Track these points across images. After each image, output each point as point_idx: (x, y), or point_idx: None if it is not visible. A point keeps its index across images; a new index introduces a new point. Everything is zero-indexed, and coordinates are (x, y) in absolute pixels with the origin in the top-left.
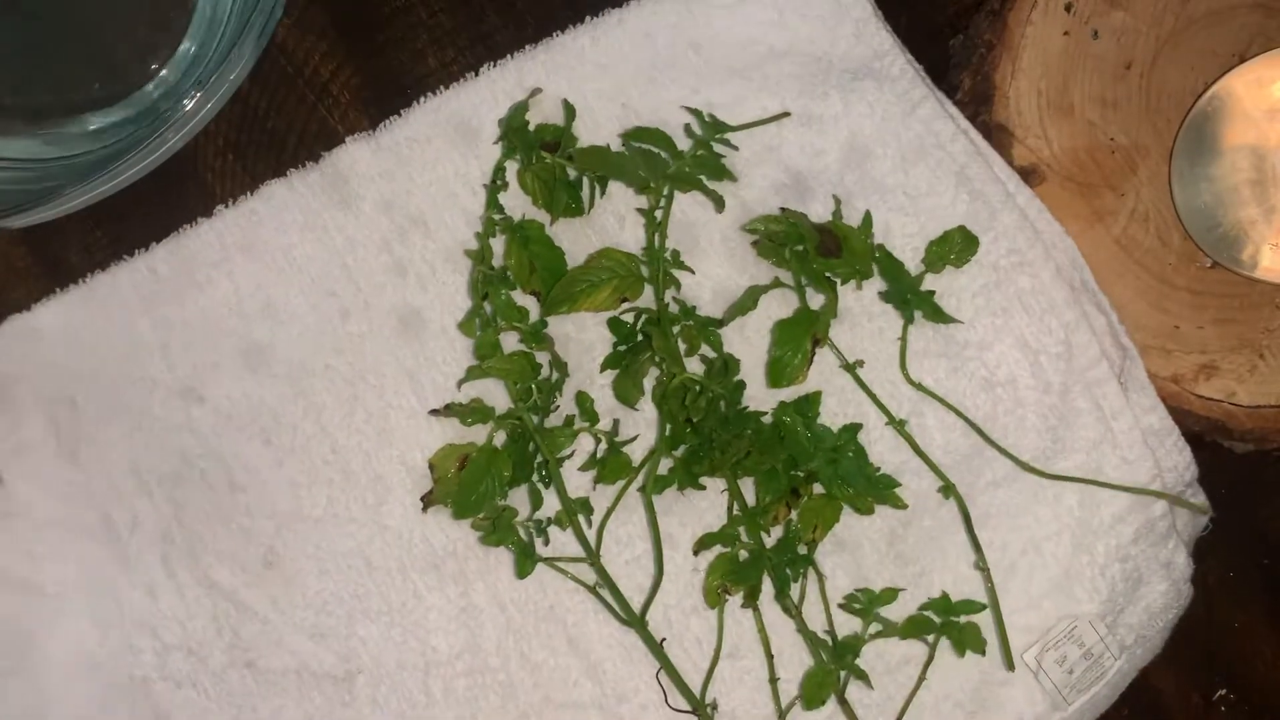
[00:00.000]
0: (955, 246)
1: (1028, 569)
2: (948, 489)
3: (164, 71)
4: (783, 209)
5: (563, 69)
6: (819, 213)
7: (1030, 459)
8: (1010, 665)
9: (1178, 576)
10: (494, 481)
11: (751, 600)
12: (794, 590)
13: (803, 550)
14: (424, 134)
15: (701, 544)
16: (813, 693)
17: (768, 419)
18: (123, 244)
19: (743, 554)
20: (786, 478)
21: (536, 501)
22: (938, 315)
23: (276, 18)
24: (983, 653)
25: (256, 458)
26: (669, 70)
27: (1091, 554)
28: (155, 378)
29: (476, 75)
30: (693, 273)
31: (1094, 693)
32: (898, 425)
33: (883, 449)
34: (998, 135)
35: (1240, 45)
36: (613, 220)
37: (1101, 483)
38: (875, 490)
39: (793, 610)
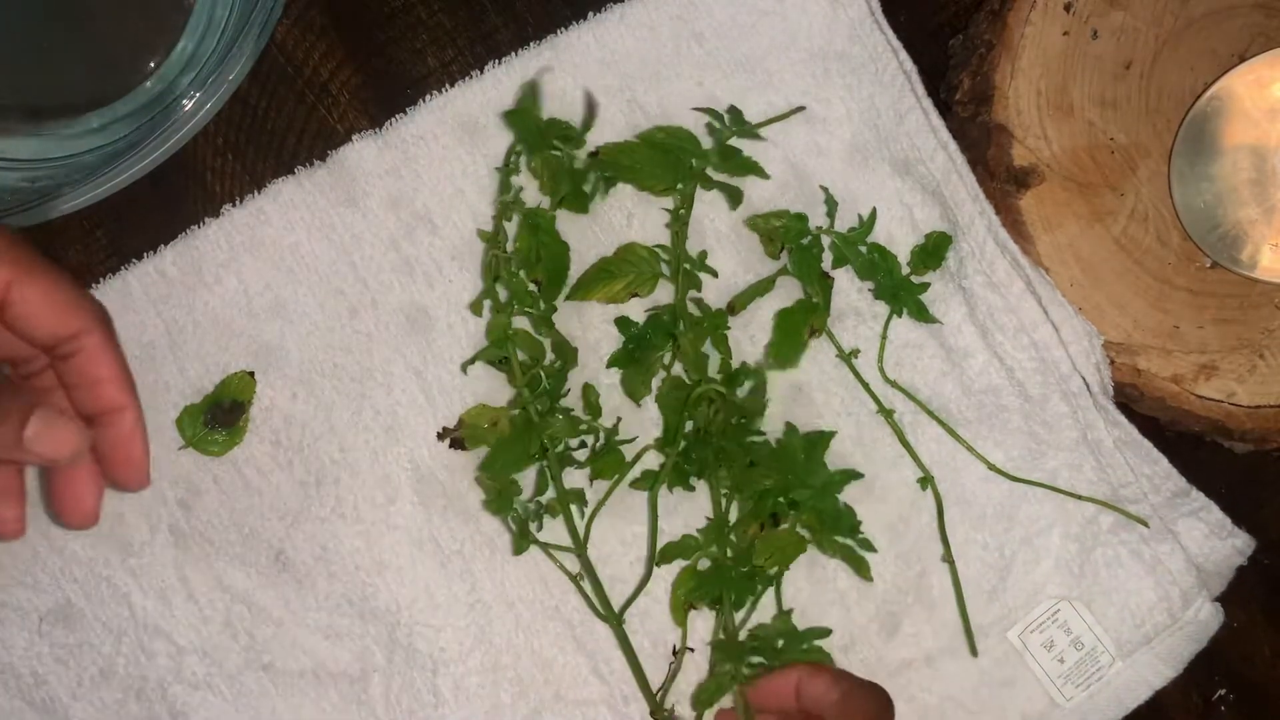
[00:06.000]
0: (931, 247)
1: (1023, 563)
2: (925, 480)
3: (163, 71)
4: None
5: (568, 66)
6: (823, 213)
7: (1018, 456)
8: (973, 650)
9: (1166, 580)
10: (526, 446)
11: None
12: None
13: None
14: (430, 131)
15: (664, 555)
16: (708, 696)
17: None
18: (122, 244)
19: (703, 562)
20: (772, 501)
21: (542, 486)
22: (921, 313)
23: (276, 17)
24: None
25: (267, 459)
26: (673, 64)
27: (1080, 543)
28: (168, 381)
29: (481, 73)
30: (715, 275)
31: (1093, 691)
32: (886, 414)
33: (885, 450)
34: (997, 135)
35: (1240, 45)
36: (620, 216)
37: (1047, 485)
38: (845, 534)
39: (730, 626)
